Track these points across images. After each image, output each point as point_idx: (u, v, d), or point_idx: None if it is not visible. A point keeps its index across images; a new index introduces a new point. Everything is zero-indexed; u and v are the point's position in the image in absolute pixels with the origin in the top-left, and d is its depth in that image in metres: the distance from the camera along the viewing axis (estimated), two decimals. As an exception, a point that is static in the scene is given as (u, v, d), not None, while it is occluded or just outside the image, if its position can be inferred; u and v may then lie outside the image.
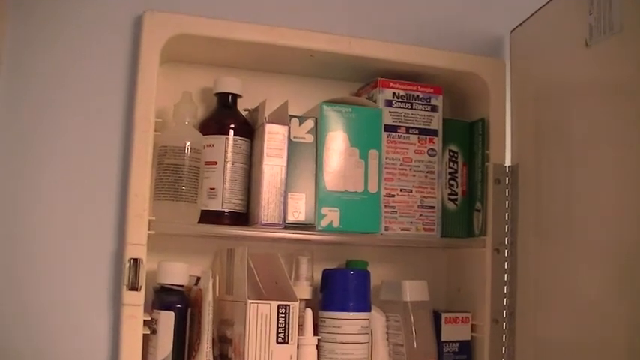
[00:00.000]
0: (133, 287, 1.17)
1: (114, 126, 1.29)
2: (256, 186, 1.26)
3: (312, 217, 1.28)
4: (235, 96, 1.33)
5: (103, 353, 1.25)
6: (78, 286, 1.26)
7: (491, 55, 1.47)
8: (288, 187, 1.26)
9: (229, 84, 1.33)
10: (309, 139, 1.30)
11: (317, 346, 1.28)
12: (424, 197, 1.38)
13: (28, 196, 1.25)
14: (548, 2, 1.33)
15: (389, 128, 1.36)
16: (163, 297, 1.22)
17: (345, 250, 1.43)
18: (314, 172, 1.29)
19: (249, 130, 1.32)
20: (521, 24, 1.42)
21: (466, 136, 1.44)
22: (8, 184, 1.25)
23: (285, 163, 1.26)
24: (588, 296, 1.19)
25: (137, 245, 1.18)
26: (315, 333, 1.28)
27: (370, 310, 1.32)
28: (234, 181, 1.28)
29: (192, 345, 1.22)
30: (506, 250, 1.39)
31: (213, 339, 1.23)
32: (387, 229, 1.34)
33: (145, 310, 1.19)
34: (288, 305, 1.22)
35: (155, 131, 1.22)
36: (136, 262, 1.17)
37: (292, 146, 1.28)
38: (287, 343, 1.21)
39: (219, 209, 1.27)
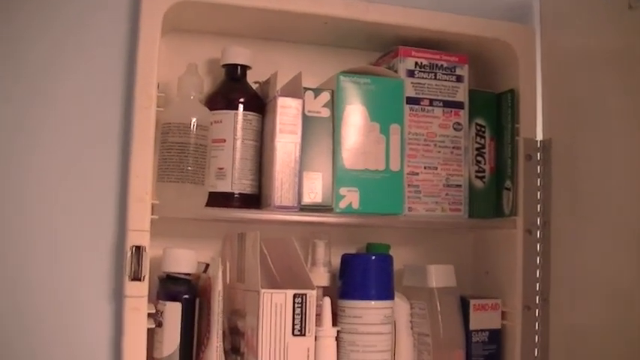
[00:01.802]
0: (136, 277, 1.12)
1: (113, 102, 1.25)
2: (268, 165, 1.22)
3: (330, 198, 1.24)
4: (244, 67, 1.29)
5: (104, 349, 1.21)
6: (77, 277, 1.23)
7: (521, 21, 1.42)
8: (303, 165, 1.22)
9: (238, 55, 1.28)
10: (326, 113, 1.25)
11: (336, 337, 1.23)
12: (450, 175, 1.33)
13: (22, 180, 1.22)
14: (584, -40, 1.28)
15: (411, 100, 1.31)
16: (169, 287, 1.18)
17: (366, 232, 1.39)
18: (331, 149, 1.25)
19: (260, 104, 1.27)
20: (552, -15, 1.38)
21: (494, 109, 1.39)
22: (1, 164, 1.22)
23: (299, 140, 1.21)
24: (627, 282, 1.16)
25: (139, 232, 1.13)
26: (335, 324, 1.24)
27: (393, 298, 1.28)
28: (244, 160, 1.23)
29: (202, 338, 1.18)
30: (538, 232, 1.34)
31: (223, 331, 1.19)
32: (410, 209, 1.30)
33: (150, 302, 1.15)
34: (305, 294, 1.17)
35: (158, 107, 1.17)
36: (138, 250, 1.12)
37: (307, 121, 1.23)
38: (304, 335, 1.17)
39: (229, 191, 1.23)
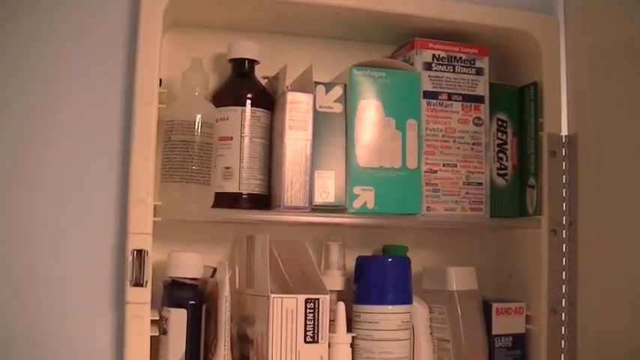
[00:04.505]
0: (138, 283, 1.09)
1: (113, 100, 1.23)
2: (278, 164, 1.19)
3: (343, 197, 1.21)
4: (252, 62, 1.26)
5: (106, 358, 1.19)
6: (77, 284, 1.20)
7: (544, 11, 1.39)
8: (314, 164, 1.19)
9: (245, 49, 1.26)
10: (338, 108, 1.22)
11: (351, 344, 1.21)
12: (470, 172, 1.30)
13: (19, 183, 1.19)
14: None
15: (429, 95, 1.28)
16: (174, 292, 1.15)
17: (382, 233, 1.36)
18: (344, 146, 1.22)
19: (268, 100, 1.24)
20: (577, -27, 1.36)
21: (516, 103, 1.36)
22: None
23: (310, 137, 1.19)
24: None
25: (141, 235, 1.10)
26: (349, 330, 1.21)
27: (411, 303, 1.25)
28: (252, 159, 1.20)
29: (209, 346, 1.15)
30: (564, 232, 1.32)
31: (232, 339, 1.17)
32: (428, 209, 1.27)
33: (154, 308, 1.12)
34: (318, 299, 1.14)
35: (160, 104, 1.14)
36: (140, 254, 1.09)
37: (318, 117, 1.20)
38: (317, 342, 1.14)
39: (237, 191, 1.20)
